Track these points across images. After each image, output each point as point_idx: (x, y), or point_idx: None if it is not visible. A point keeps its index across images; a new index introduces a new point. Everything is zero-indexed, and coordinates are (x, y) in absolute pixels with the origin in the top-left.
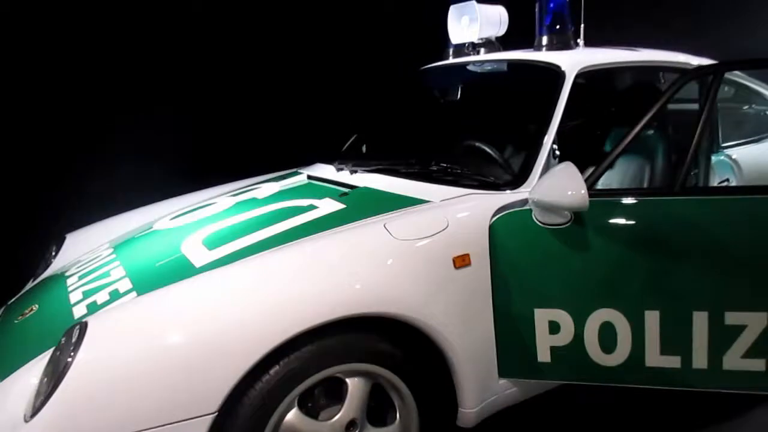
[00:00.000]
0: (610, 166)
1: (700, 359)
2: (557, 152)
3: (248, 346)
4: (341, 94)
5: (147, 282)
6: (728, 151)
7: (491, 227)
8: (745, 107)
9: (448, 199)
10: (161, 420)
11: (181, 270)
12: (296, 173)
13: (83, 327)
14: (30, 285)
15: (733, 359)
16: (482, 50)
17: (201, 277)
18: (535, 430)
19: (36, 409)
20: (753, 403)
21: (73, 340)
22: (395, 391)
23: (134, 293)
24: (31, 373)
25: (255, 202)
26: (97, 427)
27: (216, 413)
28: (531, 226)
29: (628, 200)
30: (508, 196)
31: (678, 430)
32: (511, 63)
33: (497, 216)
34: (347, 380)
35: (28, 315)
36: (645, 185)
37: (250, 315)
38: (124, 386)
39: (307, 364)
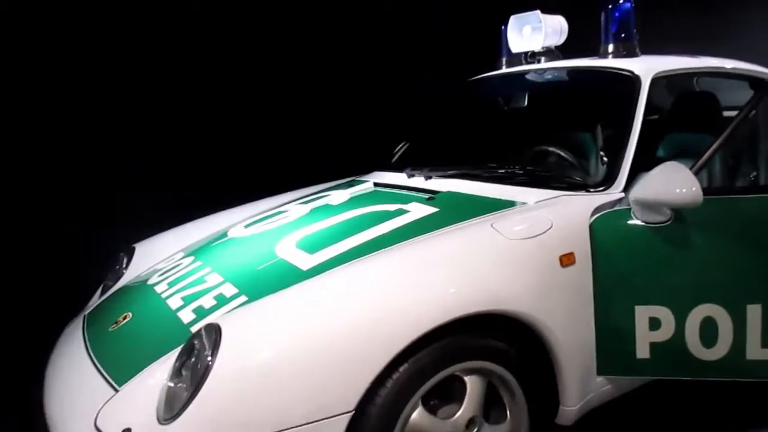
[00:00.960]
0: (704, 166)
1: None
2: (605, 158)
3: (382, 344)
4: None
5: (254, 285)
6: None
7: (591, 227)
8: None
9: (542, 201)
10: (302, 419)
11: (288, 273)
12: (357, 182)
13: (217, 329)
14: (105, 294)
15: None
16: (542, 59)
17: (323, 278)
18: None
19: (176, 413)
20: None
21: (208, 343)
22: (506, 389)
23: (243, 297)
24: (155, 376)
25: (332, 209)
26: (238, 429)
27: (353, 412)
28: (631, 225)
29: (728, 197)
30: (600, 197)
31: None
32: (586, 70)
33: (596, 216)
34: (466, 378)
35: (123, 323)
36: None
37: (382, 314)
38: (263, 387)
39: (432, 362)
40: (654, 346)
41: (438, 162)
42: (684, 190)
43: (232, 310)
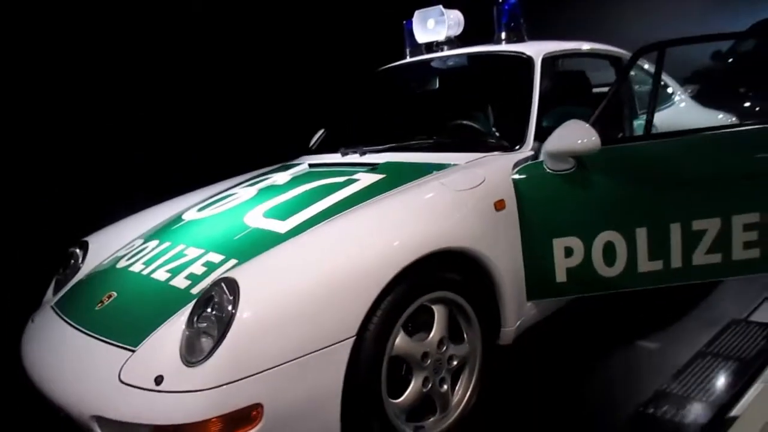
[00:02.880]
0: (596, 123)
1: (676, 260)
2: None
3: (372, 280)
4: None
5: (239, 250)
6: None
7: (513, 178)
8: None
9: (470, 161)
10: (315, 346)
11: (268, 237)
12: (290, 165)
13: (233, 282)
14: (66, 287)
15: (699, 256)
16: (445, 47)
17: (308, 234)
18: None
19: (204, 356)
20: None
21: (229, 294)
22: (463, 316)
23: (233, 260)
24: (172, 330)
25: (279, 188)
26: (263, 361)
27: (355, 337)
28: (544, 174)
29: (616, 146)
30: (516, 155)
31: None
32: (486, 54)
33: (517, 169)
34: (433, 307)
35: (109, 302)
36: None
37: (368, 256)
38: (280, 324)
39: (408, 292)
40: (569, 271)
41: (367, 141)
42: (585, 140)
43: (229, 270)
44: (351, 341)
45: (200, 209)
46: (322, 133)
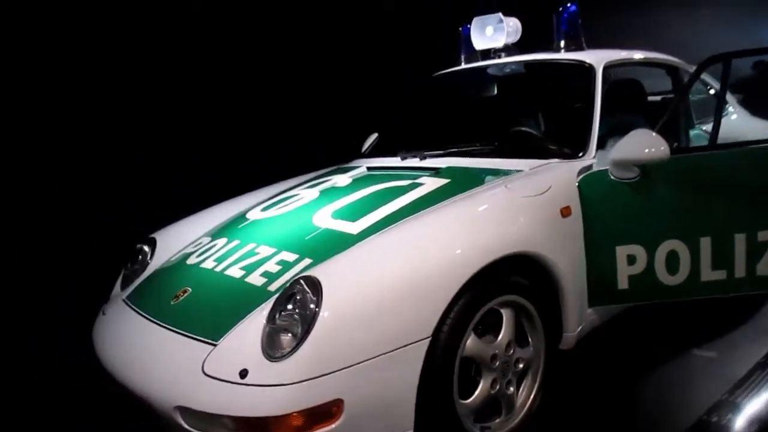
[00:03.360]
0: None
1: (740, 270)
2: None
3: (447, 282)
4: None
5: (313, 250)
6: (701, 126)
7: (579, 185)
8: (700, 95)
9: (535, 168)
10: (392, 345)
11: (340, 237)
12: (347, 168)
13: (315, 281)
14: (136, 281)
15: (764, 267)
16: (502, 54)
17: (383, 235)
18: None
19: (286, 352)
20: None
21: (312, 293)
22: (528, 321)
23: (308, 260)
24: (252, 326)
25: (341, 190)
26: (344, 358)
27: (430, 337)
28: (609, 182)
29: (682, 155)
30: (580, 163)
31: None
32: (548, 62)
33: (582, 176)
34: (502, 311)
35: (184, 297)
36: None
37: (444, 259)
38: (362, 323)
39: (480, 295)
40: (631, 278)
41: (425, 146)
42: (653, 149)
43: (304, 269)
44: (427, 342)
45: (264, 209)
46: (375, 138)
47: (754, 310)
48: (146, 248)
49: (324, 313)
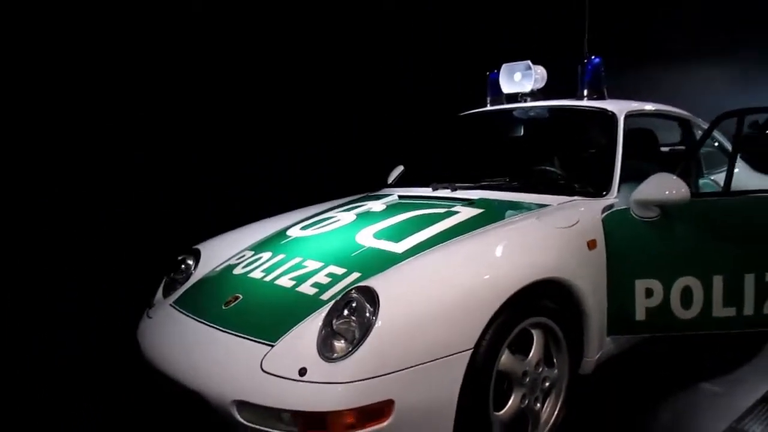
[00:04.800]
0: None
1: (748, 308)
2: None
3: (491, 298)
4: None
5: (360, 265)
6: (710, 176)
7: (603, 221)
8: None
9: (562, 203)
10: (440, 354)
11: (386, 255)
12: (378, 196)
13: (372, 291)
14: (181, 288)
15: None
16: (528, 99)
17: (428, 255)
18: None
19: (345, 352)
20: None
21: (368, 302)
22: (555, 343)
23: (356, 273)
24: (309, 330)
25: (377, 215)
26: (397, 362)
27: (473, 349)
28: (631, 220)
29: (699, 199)
30: (604, 201)
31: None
32: (574, 108)
33: (606, 213)
34: (533, 331)
35: (236, 303)
36: None
37: (486, 278)
38: (412, 330)
39: (515, 314)
40: (648, 310)
41: (456, 179)
42: (675, 192)
43: (354, 282)
44: (469, 353)
45: (303, 228)
46: (402, 171)
47: (759, 347)
48: (190, 259)
49: (380, 320)
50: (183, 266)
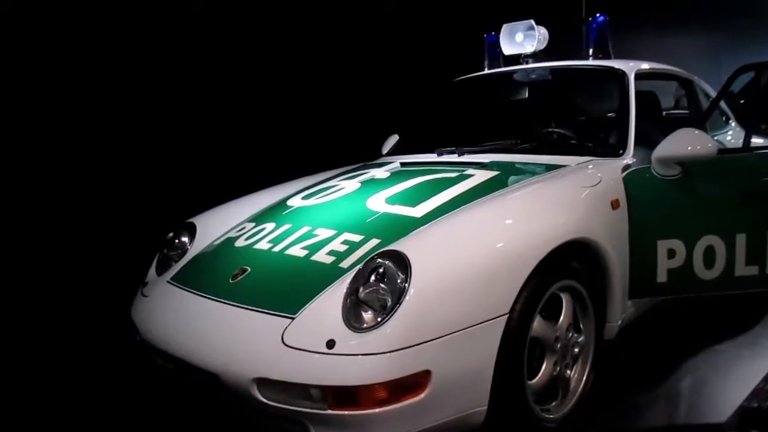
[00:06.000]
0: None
1: None
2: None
3: (525, 261)
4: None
5: (379, 231)
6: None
7: (624, 180)
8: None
9: (581, 164)
10: (475, 320)
11: (404, 220)
12: (379, 164)
13: (402, 256)
14: (179, 264)
15: None
16: (530, 61)
17: (456, 216)
18: None
19: (376, 322)
20: None
21: (399, 269)
22: (581, 308)
23: (375, 240)
24: (331, 300)
25: (384, 182)
26: (432, 330)
27: (508, 314)
28: (652, 178)
29: (721, 156)
30: (623, 160)
31: None
32: (582, 68)
33: (626, 172)
34: (562, 295)
35: (244, 275)
36: None
37: (521, 238)
38: (446, 296)
39: (547, 277)
40: (670, 272)
41: (460, 144)
42: (699, 147)
43: (374, 248)
44: (505, 318)
45: (305, 197)
46: (398, 140)
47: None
48: (184, 234)
49: (413, 287)
50: (177, 242)
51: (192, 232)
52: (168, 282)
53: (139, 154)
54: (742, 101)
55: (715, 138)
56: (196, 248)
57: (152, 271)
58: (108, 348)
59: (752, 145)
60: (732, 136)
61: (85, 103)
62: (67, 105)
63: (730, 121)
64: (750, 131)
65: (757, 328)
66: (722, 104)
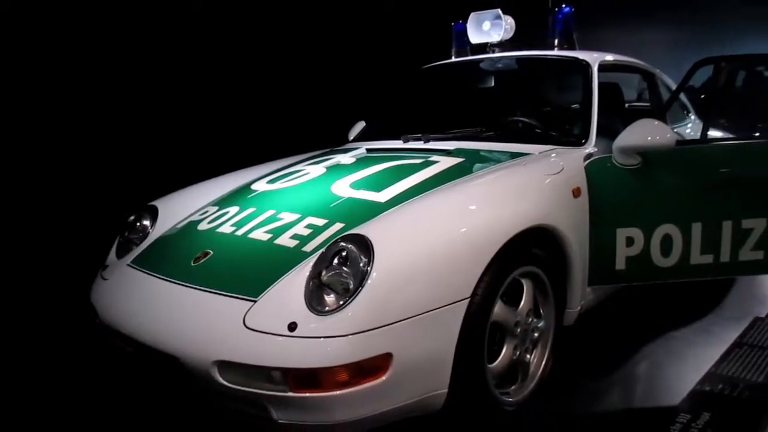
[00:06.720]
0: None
1: (725, 255)
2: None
3: (487, 246)
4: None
5: (343, 215)
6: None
7: (586, 169)
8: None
9: (544, 152)
10: (437, 304)
11: (368, 205)
12: (345, 149)
13: (365, 239)
14: (140, 247)
15: (746, 253)
16: (496, 50)
17: (420, 201)
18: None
19: (338, 305)
20: None
21: (361, 252)
22: (542, 293)
23: (339, 224)
24: (294, 283)
25: (350, 167)
26: (394, 313)
27: (470, 298)
28: (613, 167)
29: (679, 147)
30: (584, 150)
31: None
32: (547, 58)
33: (588, 161)
34: (522, 281)
35: (206, 258)
36: None
37: (483, 223)
38: (408, 280)
39: (508, 263)
40: (629, 259)
41: (426, 131)
42: (659, 138)
43: (338, 232)
44: (466, 302)
45: (270, 182)
46: (364, 126)
47: (716, 298)
48: (146, 218)
49: (376, 271)
50: (138, 225)
51: (154, 215)
52: (128, 265)
53: (101, 135)
54: (702, 96)
55: (675, 130)
56: (157, 231)
57: (112, 254)
58: (68, 331)
59: (709, 137)
60: (691, 128)
61: (45, 85)
62: (27, 87)
63: (690, 114)
64: (707, 124)
65: (711, 316)
66: (683, 98)
